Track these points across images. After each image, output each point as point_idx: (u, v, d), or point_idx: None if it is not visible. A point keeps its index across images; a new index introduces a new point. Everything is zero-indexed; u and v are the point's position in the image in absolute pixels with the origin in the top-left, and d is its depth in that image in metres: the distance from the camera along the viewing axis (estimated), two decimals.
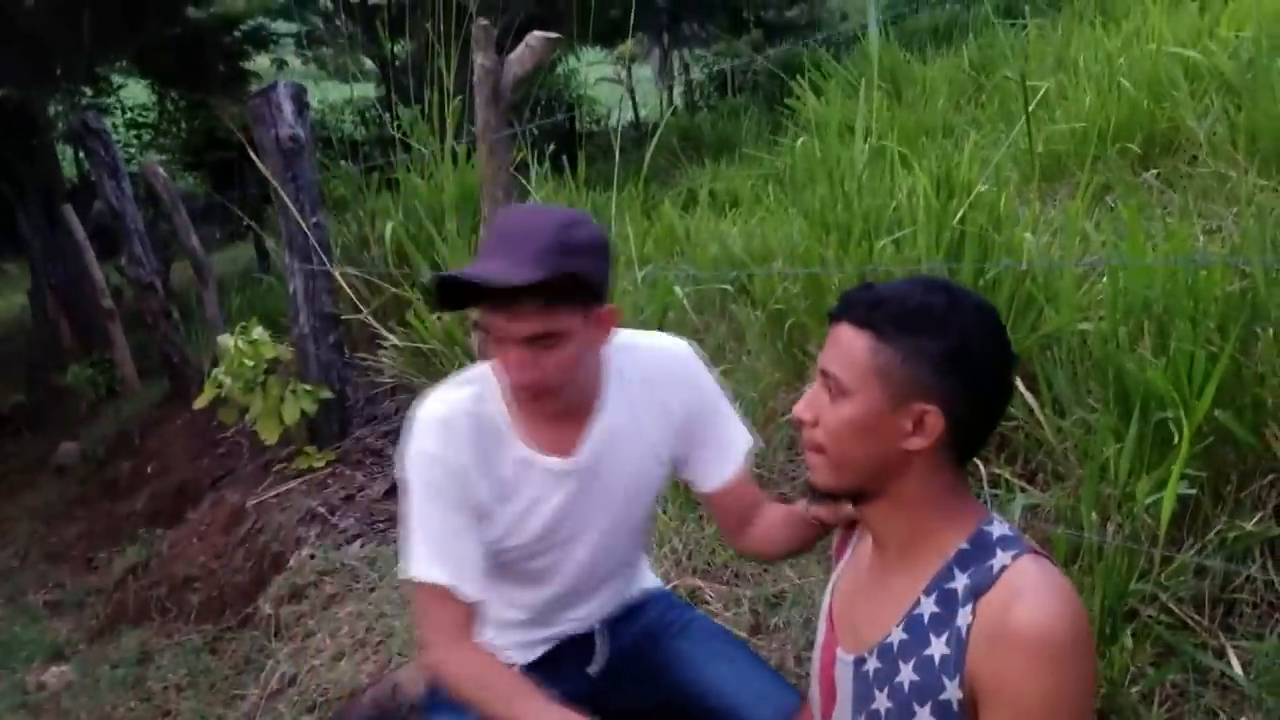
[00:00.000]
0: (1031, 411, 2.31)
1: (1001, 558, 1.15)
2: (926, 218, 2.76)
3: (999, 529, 1.19)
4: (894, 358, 1.15)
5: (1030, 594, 1.10)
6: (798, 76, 7.83)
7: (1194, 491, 1.81)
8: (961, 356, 1.15)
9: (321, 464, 4.36)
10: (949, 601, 1.16)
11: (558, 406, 1.50)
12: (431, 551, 1.48)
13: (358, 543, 3.64)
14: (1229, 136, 3.23)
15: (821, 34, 14.32)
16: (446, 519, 1.48)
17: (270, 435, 4.31)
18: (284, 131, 4.35)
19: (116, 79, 14.07)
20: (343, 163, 5.42)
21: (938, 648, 1.15)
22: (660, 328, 3.34)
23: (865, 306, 1.18)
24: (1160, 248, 2.23)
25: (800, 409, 1.23)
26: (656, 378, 1.60)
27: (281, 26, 13.59)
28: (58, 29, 9.32)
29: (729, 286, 3.61)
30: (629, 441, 1.58)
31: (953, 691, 1.14)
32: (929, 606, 1.18)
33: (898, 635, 1.20)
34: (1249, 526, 1.84)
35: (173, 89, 13.97)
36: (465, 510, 1.50)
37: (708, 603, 2.46)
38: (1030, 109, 3.67)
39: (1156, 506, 1.83)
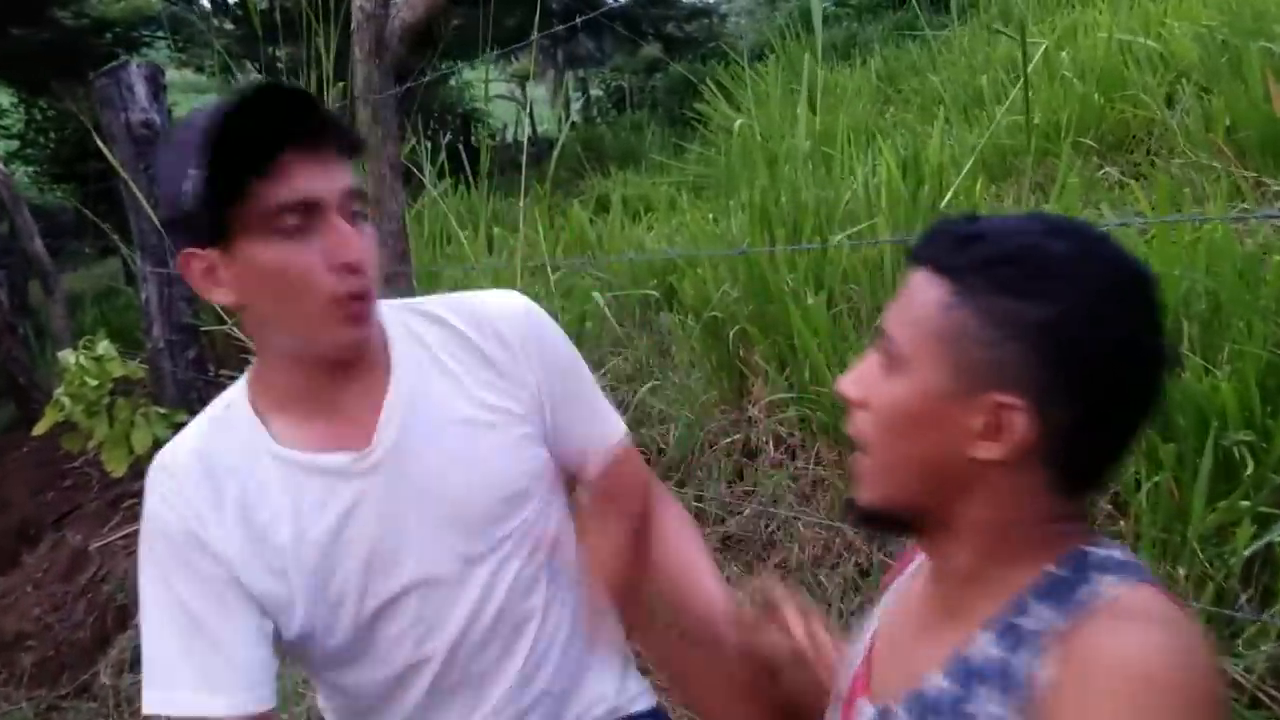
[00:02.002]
0: None
1: (1105, 584, 0.77)
2: (890, 206, 2.37)
3: (1106, 550, 0.81)
4: (972, 319, 0.77)
5: (1141, 623, 0.73)
6: (706, 82, 7.62)
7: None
8: (1079, 332, 0.75)
9: None
10: (1014, 641, 0.78)
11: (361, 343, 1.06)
12: (173, 667, 1.01)
13: None
14: (1204, 126, 2.94)
15: (713, 44, 14.24)
16: (191, 613, 1.01)
17: (118, 466, 3.75)
18: (136, 116, 3.83)
19: None
20: None
21: (988, 704, 0.77)
22: (577, 340, 2.89)
23: (952, 244, 0.79)
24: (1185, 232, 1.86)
25: (847, 380, 0.86)
26: (491, 328, 1.14)
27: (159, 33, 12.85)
28: None
29: (654, 293, 3.18)
30: (446, 411, 1.10)
31: None
32: (985, 647, 0.80)
33: (937, 683, 0.83)
34: None
35: (39, 97, 13.05)
36: (216, 586, 1.02)
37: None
38: (977, 106, 3.36)
39: (1229, 556, 1.44)
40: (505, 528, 1.11)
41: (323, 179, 0.97)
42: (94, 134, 4.12)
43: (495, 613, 1.11)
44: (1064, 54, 4.02)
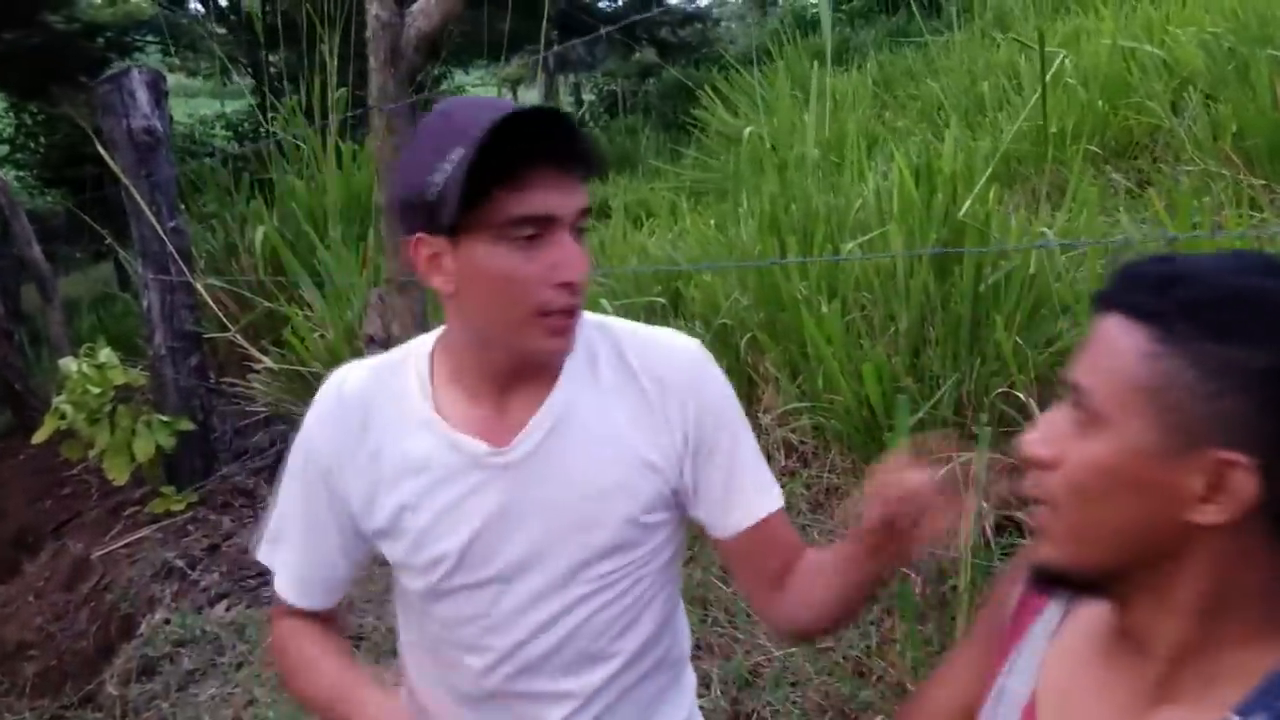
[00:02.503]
0: None
1: None
2: (903, 214, 2.37)
3: None
4: (1184, 369, 0.70)
5: None
6: (705, 89, 7.61)
7: None
8: None
9: (181, 507, 3.78)
10: None
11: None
12: (275, 540, 1.23)
13: (223, 604, 3.09)
14: (1211, 134, 2.95)
15: (706, 50, 14.25)
16: (307, 515, 1.20)
17: (119, 474, 3.72)
18: (138, 123, 3.79)
19: None
20: (207, 159, 4.81)
21: None
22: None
23: (1151, 287, 0.73)
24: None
25: (1032, 440, 0.78)
26: (654, 368, 1.15)
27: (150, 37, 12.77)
28: None
29: (660, 299, 3.17)
30: (592, 434, 1.12)
31: None
32: None
33: None
34: None
35: (30, 101, 12.96)
36: (330, 513, 1.17)
37: None
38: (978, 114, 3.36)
39: None
40: (603, 566, 1.13)
41: (562, 197, 1.01)
42: (93, 139, 4.10)
43: (564, 637, 1.14)
44: (1067, 61, 4.02)
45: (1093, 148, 3.43)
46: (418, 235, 1.05)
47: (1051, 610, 0.92)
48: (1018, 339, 2.09)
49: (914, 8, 8.56)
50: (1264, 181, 2.77)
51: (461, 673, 1.17)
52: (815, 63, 4.32)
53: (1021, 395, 2.07)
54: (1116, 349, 0.72)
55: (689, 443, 1.14)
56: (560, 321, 1.04)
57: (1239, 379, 0.68)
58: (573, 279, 1.02)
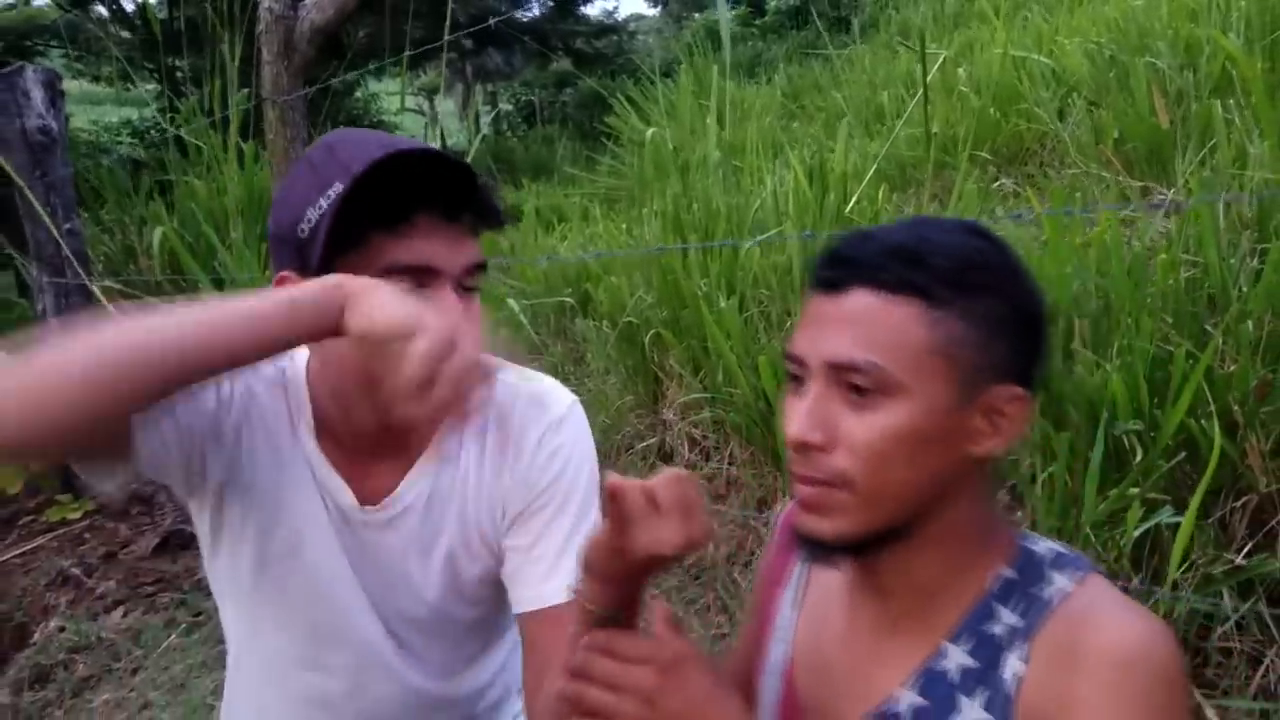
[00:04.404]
0: None
1: (1060, 581, 0.80)
2: (798, 213, 2.44)
3: (1046, 546, 0.84)
4: (962, 329, 0.78)
5: (1108, 610, 0.77)
6: (617, 97, 7.68)
7: (1178, 519, 1.49)
8: (1030, 316, 0.81)
9: (78, 515, 3.66)
10: (988, 649, 0.80)
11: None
12: None
13: (119, 611, 3.01)
14: (1093, 138, 3.08)
15: (621, 60, 14.36)
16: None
17: (10, 484, 3.60)
18: (32, 122, 3.69)
19: None
20: (103, 160, 4.70)
21: (972, 713, 0.79)
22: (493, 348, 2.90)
23: (896, 262, 0.79)
24: (1077, 236, 1.95)
25: (804, 429, 0.80)
26: (515, 429, 1.09)
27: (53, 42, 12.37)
28: None
29: (569, 299, 3.20)
30: (457, 503, 1.09)
31: None
32: (957, 657, 0.81)
33: (908, 699, 0.82)
34: (1240, 560, 1.54)
35: None
36: (196, 424, 1.00)
37: None
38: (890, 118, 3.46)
39: (1120, 538, 1.52)
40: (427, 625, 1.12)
41: (447, 248, 0.93)
42: None
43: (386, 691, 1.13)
44: (961, 70, 4.16)
45: (983, 154, 3.56)
46: (283, 273, 0.95)
47: (795, 578, 0.98)
48: None
49: (822, 24, 8.76)
50: (1142, 183, 2.91)
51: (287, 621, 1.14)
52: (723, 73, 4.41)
53: None
54: (893, 323, 0.77)
55: (520, 503, 1.09)
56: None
57: (997, 325, 0.78)
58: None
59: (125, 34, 11.99)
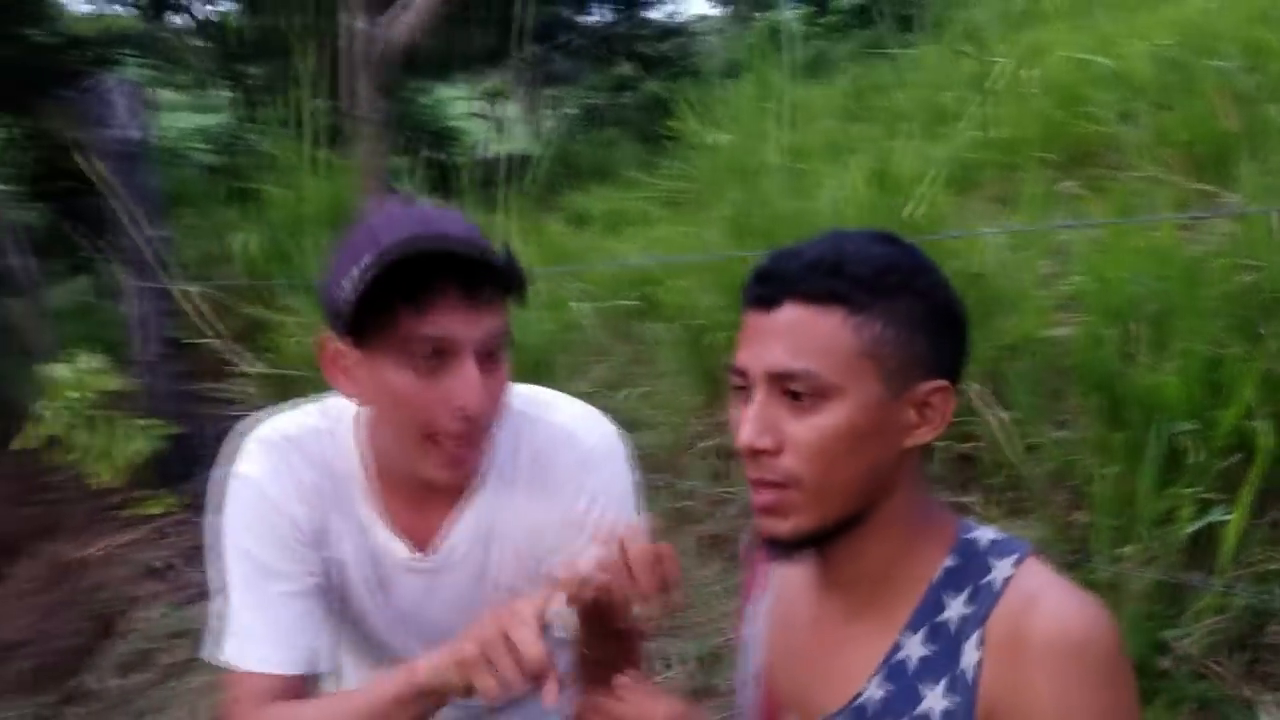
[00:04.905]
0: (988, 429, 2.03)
1: (1001, 567, 0.87)
2: (860, 217, 2.49)
3: (984, 533, 0.92)
4: (883, 330, 0.86)
5: (1049, 595, 0.84)
6: (683, 101, 7.72)
7: (1229, 517, 1.53)
8: (946, 311, 0.90)
9: (165, 510, 3.83)
10: (943, 638, 0.87)
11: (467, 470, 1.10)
12: (251, 627, 1.12)
13: (205, 602, 3.14)
14: (1157, 141, 3.08)
15: (685, 63, 14.37)
16: (269, 580, 1.12)
17: (106, 477, 3.77)
18: (120, 133, 3.87)
19: None
20: (183, 167, 4.90)
21: (936, 700, 0.86)
22: (561, 347, 3.00)
23: (819, 275, 0.87)
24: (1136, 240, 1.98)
25: (752, 436, 0.88)
26: (554, 462, 1.17)
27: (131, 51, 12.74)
28: None
29: (635, 302, 3.28)
30: (505, 542, 1.18)
31: None
32: (916, 648, 0.89)
33: (875, 690, 0.90)
34: None
35: (8, 114, 12.91)
36: (293, 562, 1.13)
37: None
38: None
39: (1172, 535, 1.55)
40: None
41: (466, 322, 1.00)
42: (70, 150, 4.16)
43: None
44: (1025, 72, 4.16)
45: (1048, 155, 3.56)
46: (326, 335, 1.05)
47: (763, 593, 1.07)
48: None
49: (886, 23, 8.71)
50: (1205, 186, 2.90)
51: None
52: (787, 74, 4.46)
53: (968, 387, 2.18)
54: (822, 331, 0.86)
55: (559, 537, 1.16)
56: (456, 452, 1.04)
57: (917, 323, 0.87)
58: (467, 407, 1.01)
59: (200, 43, 12.30)
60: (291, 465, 1.14)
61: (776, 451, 0.87)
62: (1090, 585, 1.61)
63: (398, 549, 1.15)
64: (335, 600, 1.19)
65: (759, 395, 0.88)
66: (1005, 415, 2.00)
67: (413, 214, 1.03)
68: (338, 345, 1.05)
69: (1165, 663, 1.58)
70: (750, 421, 0.88)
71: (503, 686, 0.90)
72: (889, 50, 7.72)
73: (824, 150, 4.80)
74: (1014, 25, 5.69)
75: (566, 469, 1.16)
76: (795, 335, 0.87)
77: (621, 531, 0.99)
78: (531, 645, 0.90)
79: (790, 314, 0.87)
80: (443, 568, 1.16)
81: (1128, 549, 1.61)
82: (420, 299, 0.98)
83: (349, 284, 0.98)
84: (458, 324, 1.00)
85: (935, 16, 8.27)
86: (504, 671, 0.90)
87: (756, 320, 0.90)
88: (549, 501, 1.16)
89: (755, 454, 0.88)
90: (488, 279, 1.01)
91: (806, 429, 0.86)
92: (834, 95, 7.10)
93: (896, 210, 2.38)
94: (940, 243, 2.32)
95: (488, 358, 1.03)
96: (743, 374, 0.90)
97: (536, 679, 0.91)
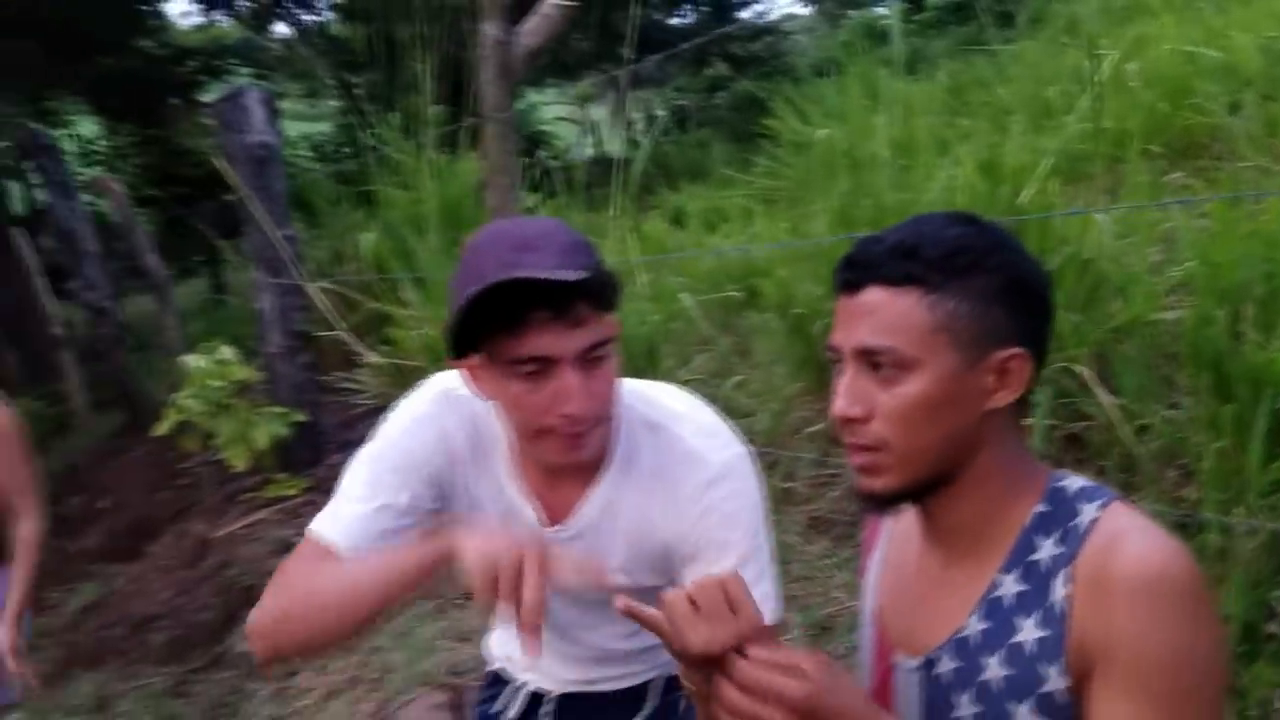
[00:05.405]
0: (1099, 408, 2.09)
1: (1088, 510, 0.96)
2: (970, 207, 2.55)
3: (1074, 481, 1.01)
4: (957, 306, 0.96)
5: (1132, 535, 0.92)
6: (776, 99, 7.78)
7: None
8: (1022, 284, 0.98)
9: (294, 492, 4.06)
10: (1035, 576, 0.97)
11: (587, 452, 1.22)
12: (342, 514, 1.26)
13: None
14: (1266, 132, 3.07)
15: (776, 62, 14.37)
16: (378, 491, 1.27)
17: (239, 461, 4.02)
18: (253, 138, 4.11)
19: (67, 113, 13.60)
20: (311, 172, 5.16)
21: (1029, 632, 0.95)
22: (665, 336, 3.11)
23: (896, 259, 0.97)
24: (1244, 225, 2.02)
25: (845, 406, 0.99)
26: (674, 482, 1.26)
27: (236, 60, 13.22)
28: (3, 60, 8.92)
29: (737, 293, 3.39)
30: (620, 523, 1.29)
31: (1056, 681, 0.93)
32: (1011, 586, 0.98)
33: (975, 625, 1.00)
34: None
35: (124, 123, 13.52)
36: (405, 492, 1.28)
37: None
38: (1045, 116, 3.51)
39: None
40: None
41: (559, 338, 1.11)
42: (187, 156, 4.42)
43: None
44: (1130, 65, 4.14)
45: (1154, 147, 3.56)
46: (451, 361, 1.20)
47: (880, 544, 1.18)
48: (1076, 316, 2.26)
49: (985, 18, 8.63)
50: None
51: None
52: (886, 70, 4.51)
53: (1078, 369, 2.24)
54: (900, 311, 0.96)
55: (680, 549, 1.26)
56: (569, 442, 1.17)
57: (990, 297, 0.95)
58: (572, 411, 1.13)
59: (305, 52, 12.71)
60: (443, 417, 1.29)
61: (866, 419, 0.98)
62: (1199, 551, 1.68)
63: (529, 514, 1.29)
64: None
65: (850, 369, 0.99)
66: (1114, 398, 2.06)
67: (514, 235, 1.14)
68: (465, 360, 1.19)
69: (1272, 627, 1.64)
70: (843, 393, 0.99)
71: (489, 609, 1.02)
72: (988, 46, 7.67)
73: (929, 144, 4.84)
74: (1117, 19, 5.63)
75: (689, 489, 1.25)
76: (877, 315, 0.96)
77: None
78: (532, 591, 1.00)
79: (872, 296, 0.97)
80: (572, 540, 1.28)
81: (1236, 514, 1.67)
82: (514, 325, 1.10)
83: (454, 313, 1.11)
84: (551, 342, 1.11)
85: (1036, 12, 8.18)
86: (501, 597, 1.01)
87: (845, 303, 1.00)
88: (672, 516, 1.26)
89: (848, 421, 0.99)
90: (578, 296, 1.10)
91: (891, 398, 0.96)
92: (934, 91, 7.07)
93: (1008, 200, 2.44)
94: (1050, 229, 2.38)
95: (589, 362, 1.14)
96: (836, 351, 1.00)
97: (524, 626, 1.00)
